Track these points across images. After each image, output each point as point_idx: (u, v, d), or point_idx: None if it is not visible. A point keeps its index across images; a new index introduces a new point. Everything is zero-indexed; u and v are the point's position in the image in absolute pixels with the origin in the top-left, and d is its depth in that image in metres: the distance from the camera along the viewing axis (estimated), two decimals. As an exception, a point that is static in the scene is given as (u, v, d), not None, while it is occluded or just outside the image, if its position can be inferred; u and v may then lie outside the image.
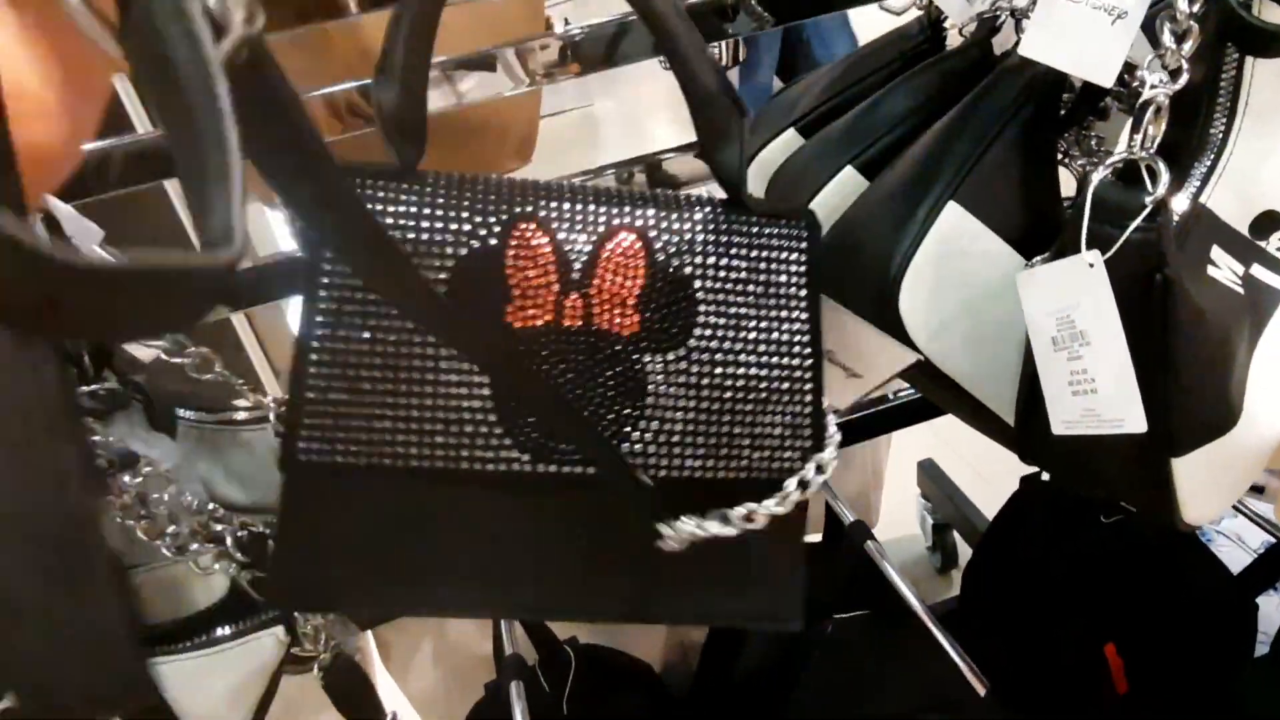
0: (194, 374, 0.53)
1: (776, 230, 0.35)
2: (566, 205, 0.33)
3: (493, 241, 0.32)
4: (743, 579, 0.36)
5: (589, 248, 0.33)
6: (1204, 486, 0.37)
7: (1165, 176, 0.33)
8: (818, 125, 0.58)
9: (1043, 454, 0.42)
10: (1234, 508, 0.77)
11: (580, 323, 0.33)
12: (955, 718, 0.69)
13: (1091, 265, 0.34)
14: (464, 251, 0.32)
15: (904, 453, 1.38)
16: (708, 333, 0.34)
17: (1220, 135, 0.41)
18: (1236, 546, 1.03)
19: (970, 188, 0.43)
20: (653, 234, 0.33)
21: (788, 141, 0.59)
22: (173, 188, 1.90)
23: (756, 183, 0.60)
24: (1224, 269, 0.39)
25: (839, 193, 0.51)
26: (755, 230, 0.35)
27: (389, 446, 0.32)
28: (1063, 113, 0.51)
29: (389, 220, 0.32)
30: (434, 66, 0.73)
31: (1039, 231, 0.45)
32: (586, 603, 0.35)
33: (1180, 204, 0.39)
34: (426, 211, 0.32)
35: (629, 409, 0.33)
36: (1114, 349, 0.34)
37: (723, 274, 0.34)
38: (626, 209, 0.34)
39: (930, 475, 1.35)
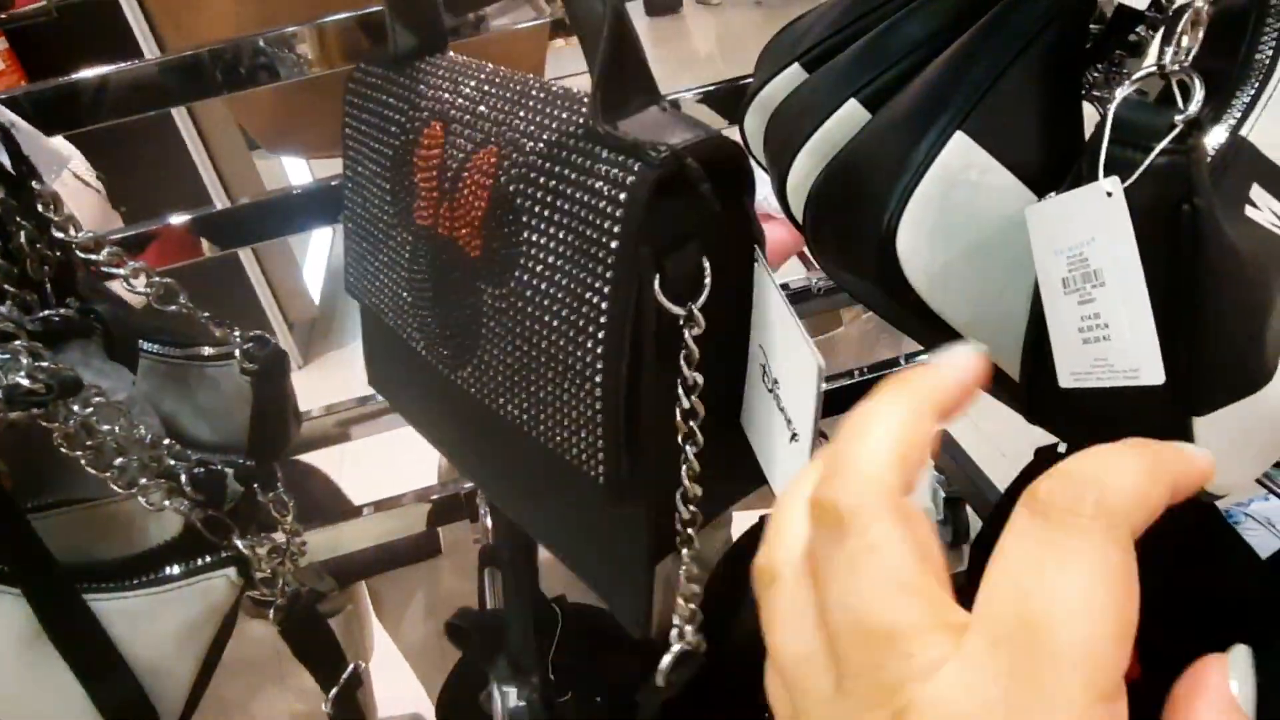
0: (157, 305, 0.51)
1: (611, 170, 0.27)
2: (478, 107, 0.31)
3: (410, 138, 0.31)
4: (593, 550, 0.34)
5: (462, 156, 0.30)
6: (1229, 451, 0.33)
7: (1199, 93, 0.29)
8: (824, 59, 0.53)
9: (1050, 411, 0.38)
10: (1265, 487, 0.73)
11: (448, 234, 0.31)
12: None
13: (1109, 194, 0.30)
14: (396, 143, 0.32)
15: (920, 424, 1.34)
16: (525, 277, 0.29)
17: (1268, 60, 0.37)
18: (1267, 531, 0.98)
19: (981, 117, 0.39)
20: (506, 149, 0.29)
21: (791, 77, 0.55)
22: (180, 116, 1.88)
23: (758, 120, 0.56)
24: (1265, 210, 0.35)
25: (841, 128, 0.47)
26: (591, 166, 0.27)
27: (374, 297, 0.38)
28: (1090, 45, 0.46)
29: (367, 109, 0.34)
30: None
31: (1058, 170, 0.41)
32: (499, 496, 0.39)
33: (1218, 136, 0.35)
34: (386, 99, 0.33)
35: (470, 335, 0.31)
36: (1131, 290, 0.30)
37: (550, 213, 0.28)
38: (510, 118, 0.30)
39: (944, 447, 1.31)
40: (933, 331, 0.43)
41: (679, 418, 0.28)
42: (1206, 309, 0.30)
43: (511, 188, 0.28)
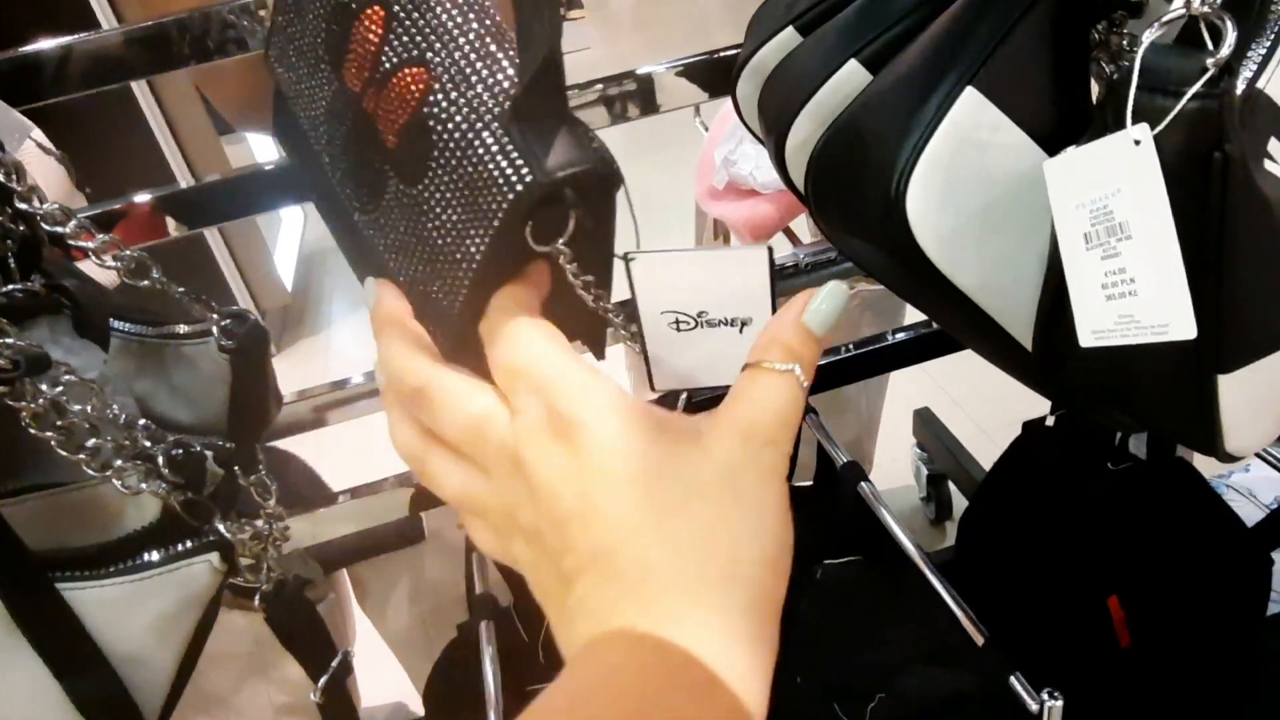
0: (129, 280, 0.48)
1: (509, 167, 0.30)
2: (421, 16, 0.32)
3: (353, 5, 0.33)
4: None
5: (395, 60, 0.32)
6: (1252, 410, 0.32)
7: (1232, 34, 0.28)
8: (820, 22, 0.52)
9: (1065, 374, 0.37)
10: (1264, 459, 0.73)
11: (372, 110, 0.33)
12: (951, 667, 0.66)
13: (1138, 142, 0.29)
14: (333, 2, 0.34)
15: (900, 401, 1.34)
16: (425, 194, 0.32)
17: (1283, 13, 0.36)
18: (1248, 501, 0.99)
19: (991, 73, 0.38)
20: (434, 82, 0.32)
21: (785, 41, 0.53)
22: (144, 99, 1.83)
23: (751, 86, 0.54)
24: (1282, 164, 0.34)
25: (841, 89, 0.46)
26: (497, 150, 0.30)
27: (297, 95, 0.38)
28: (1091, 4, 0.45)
29: None
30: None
31: (1066, 128, 0.40)
32: None
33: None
34: None
35: (374, 196, 0.34)
36: (1161, 242, 0.29)
37: (455, 163, 0.31)
38: (449, 48, 0.31)
39: (927, 424, 1.31)
40: (939, 298, 0.41)
41: None
42: (1237, 260, 0.29)
43: (431, 121, 0.31)
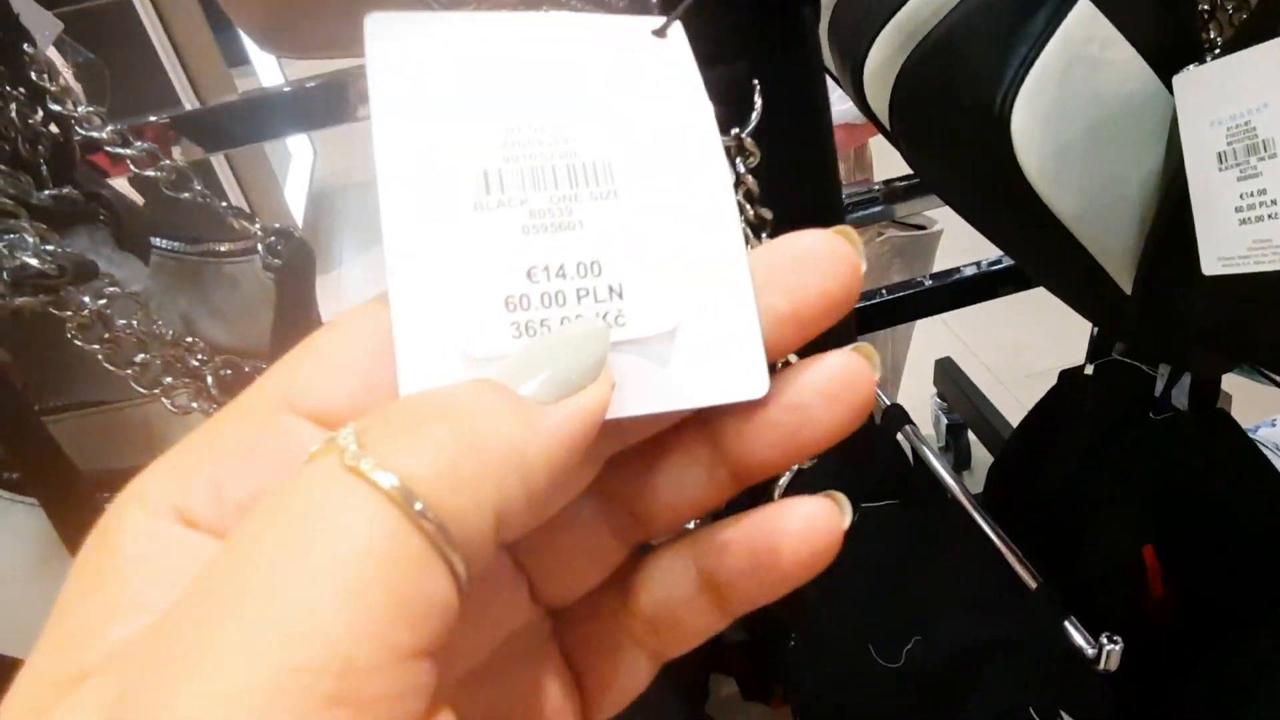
0: (169, 192, 0.46)
1: None
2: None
3: None
4: None
5: None
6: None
7: None
8: (898, -63, 0.49)
9: (1169, 309, 0.35)
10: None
11: None
12: (989, 612, 0.65)
13: (1295, 50, 0.27)
14: None
15: (919, 352, 1.33)
16: None
17: None
18: (1275, 456, 0.99)
19: (1106, -16, 0.35)
20: None
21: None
22: (148, 19, 1.77)
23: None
24: None
25: (929, 5, 0.43)
26: None
27: None
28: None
29: None
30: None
31: (1173, 49, 0.37)
32: None
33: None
34: None
35: None
36: (1312, 159, 0.27)
37: None
38: None
39: (948, 373, 1.29)
40: (1029, 227, 0.39)
41: None
42: (1391, 182, 0.27)
43: None
